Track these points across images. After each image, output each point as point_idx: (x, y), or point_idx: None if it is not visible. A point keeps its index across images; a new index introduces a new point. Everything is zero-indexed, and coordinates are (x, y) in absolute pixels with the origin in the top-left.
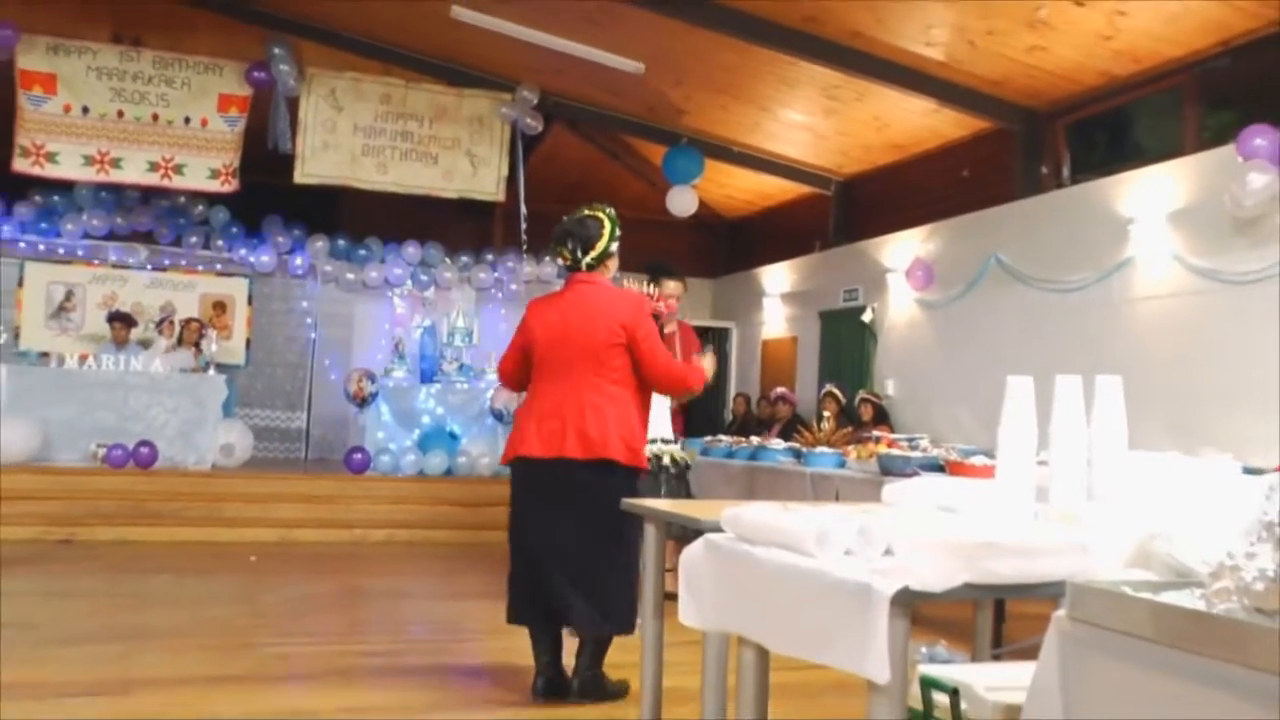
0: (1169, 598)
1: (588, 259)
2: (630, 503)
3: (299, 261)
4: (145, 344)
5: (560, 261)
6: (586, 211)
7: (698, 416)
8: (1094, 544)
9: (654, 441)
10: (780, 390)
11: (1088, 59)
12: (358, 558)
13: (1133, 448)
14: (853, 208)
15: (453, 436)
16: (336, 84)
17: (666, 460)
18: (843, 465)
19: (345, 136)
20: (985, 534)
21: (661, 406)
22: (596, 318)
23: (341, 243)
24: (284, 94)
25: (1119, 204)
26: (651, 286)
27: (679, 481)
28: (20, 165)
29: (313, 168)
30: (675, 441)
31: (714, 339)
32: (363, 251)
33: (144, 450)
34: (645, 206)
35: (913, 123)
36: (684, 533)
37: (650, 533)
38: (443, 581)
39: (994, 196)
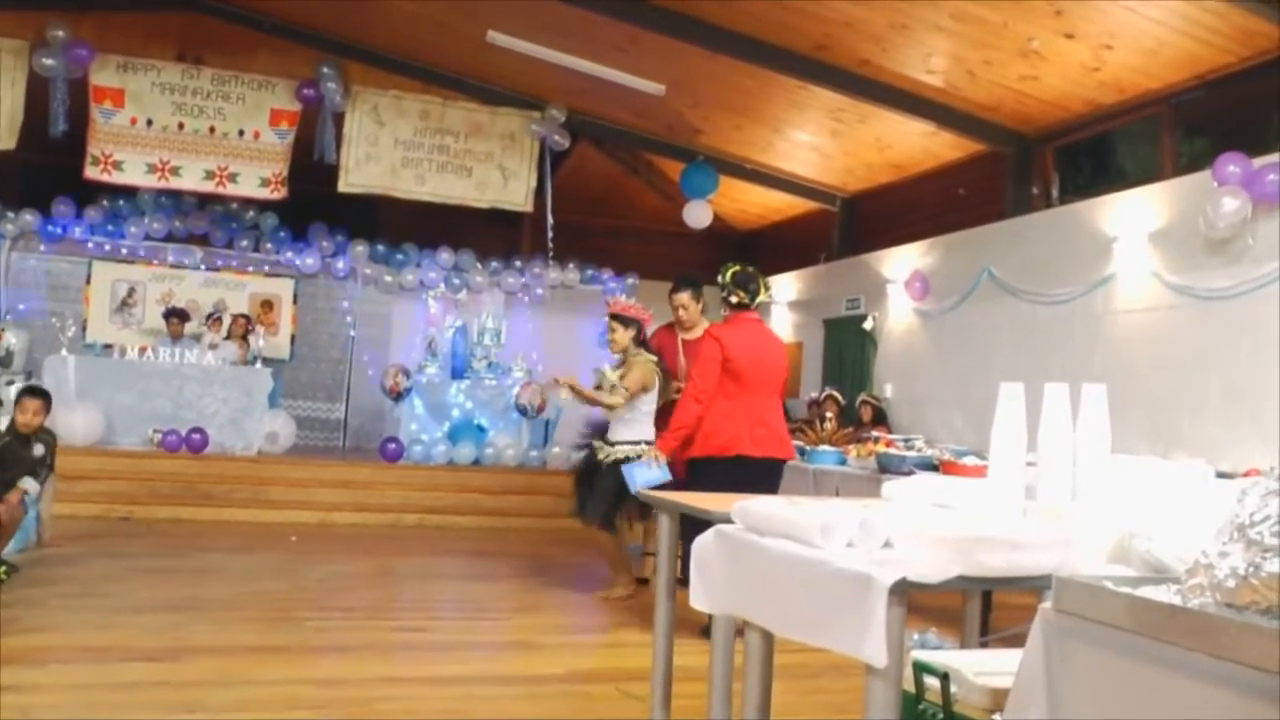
0: (1147, 592)
1: (756, 301)
2: (646, 494)
3: (341, 264)
4: (198, 338)
5: (733, 299)
6: (750, 268)
7: None
8: (1078, 540)
9: (648, 442)
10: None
11: (1075, 88)
12: (391, 540)
13: (1113, 451)
14: (856, 223)
15: (480, 429)
16: (379, 101)
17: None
18: (843, 463)
19: (386, 149)
20: (978, 529)
21: (647, 410)
22: (775, 349)
23: (380, 248)
24: (331, 109)
25: (1103, 223)
26: (628, 297)
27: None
28: (91, 173)
29: (356, 178)
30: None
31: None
32: (400, 256)
33: (196, 436)
34: (663, 219)
35: (912, 144)
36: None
37: (664, 522)
38: (470, 563)
39: (987, 214)
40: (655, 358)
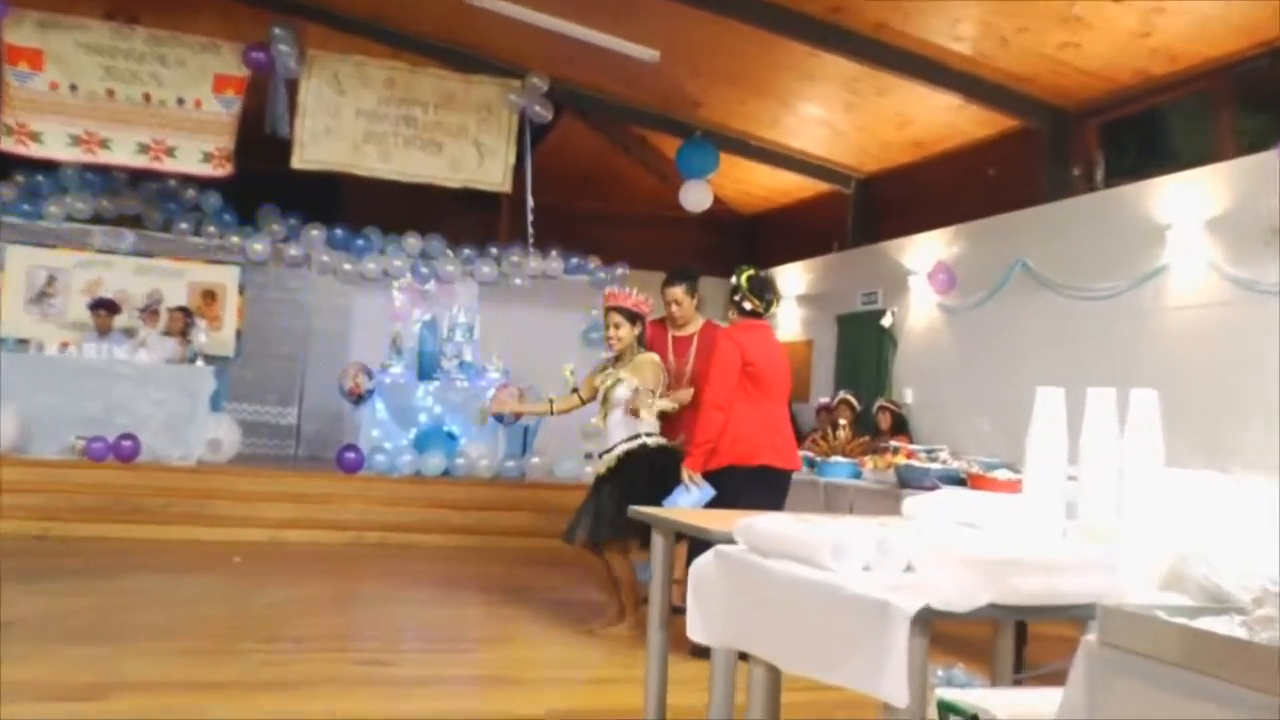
0: (1206, 623)
1: (772, 309)
2: (639, 511)
3: (294, 251)
4: (130, 333)
5: (746, 305)
6: (767, 275)
7: None
8: (1125, 564)
9: (651, 434)
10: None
11: (1122, 57)
12: (350, 560)
13: (1165, 464)
14: (873, 207)
15: (451, 437)
16: (340, 67)
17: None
18: (858, 476)
19: (347, 122)
20: (1011, 551)
21: (648, 413)
22: (784, 358)
23: (339, 232)
24: (283, 76)
25: (1153, 209)
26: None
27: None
28: (4, 144)
29: (312, 153)
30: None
31: None
32: (361, 242)
33: (126, 444)
34: (657, 201)
35: (936, 119)
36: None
37: (658, 543)
38: (439, 587)
39: (1020, 199)
40: (657, 356)
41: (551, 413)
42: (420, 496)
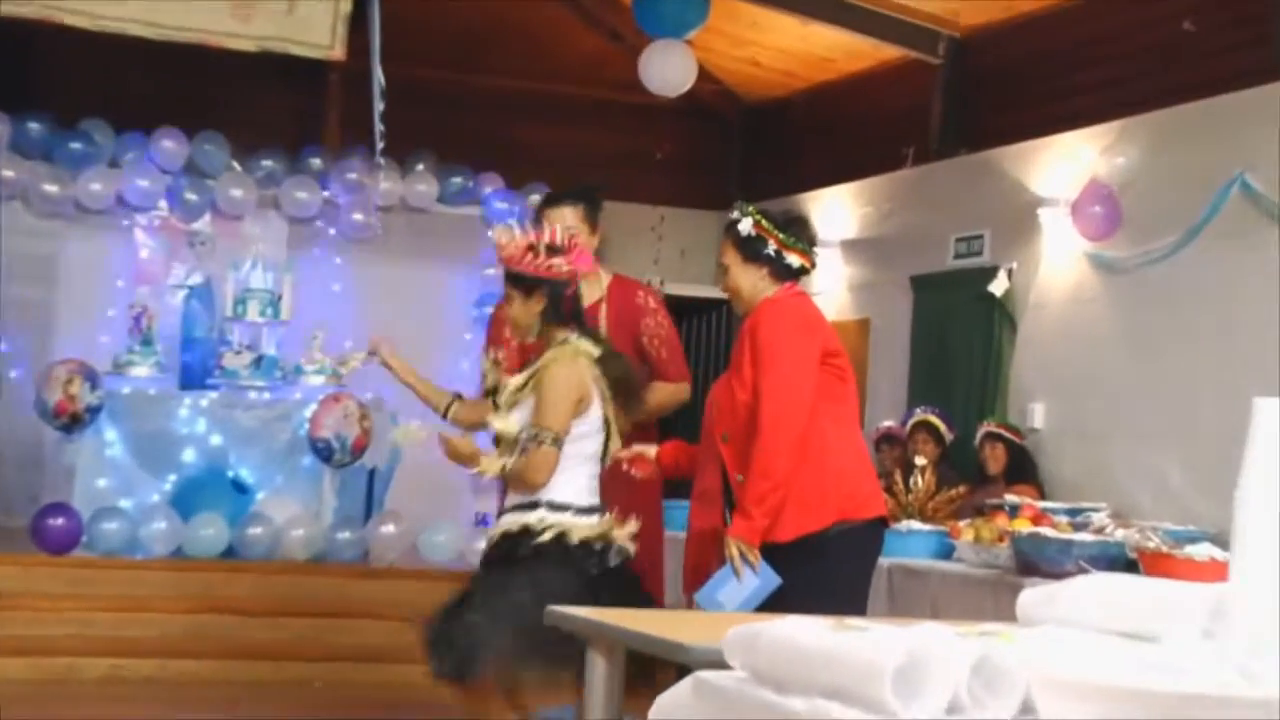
0: None
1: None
2: (563, 613)
3: None
4: None
5: (793, 260)
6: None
7: None
8: None
9: (563, 509)
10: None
11: None
12: (58, 702)
13: None
14: (976, 89)
15: (240, 489)
16: None
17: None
18: (947, 552)
19: None
20: (1199, 683)
21: (576, 464)
22: None
23: (36, 126)
24: None
25: None
26: (529, 225)
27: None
28: None
29: None
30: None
31: (711, 322)
32: (78, 145)
33: None
34: (603, 78)
35: None
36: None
37: (598, 669)
38: None
39: (1239, 71)
40: (594, 343)
41: (446, 416)
42: (184, 594)
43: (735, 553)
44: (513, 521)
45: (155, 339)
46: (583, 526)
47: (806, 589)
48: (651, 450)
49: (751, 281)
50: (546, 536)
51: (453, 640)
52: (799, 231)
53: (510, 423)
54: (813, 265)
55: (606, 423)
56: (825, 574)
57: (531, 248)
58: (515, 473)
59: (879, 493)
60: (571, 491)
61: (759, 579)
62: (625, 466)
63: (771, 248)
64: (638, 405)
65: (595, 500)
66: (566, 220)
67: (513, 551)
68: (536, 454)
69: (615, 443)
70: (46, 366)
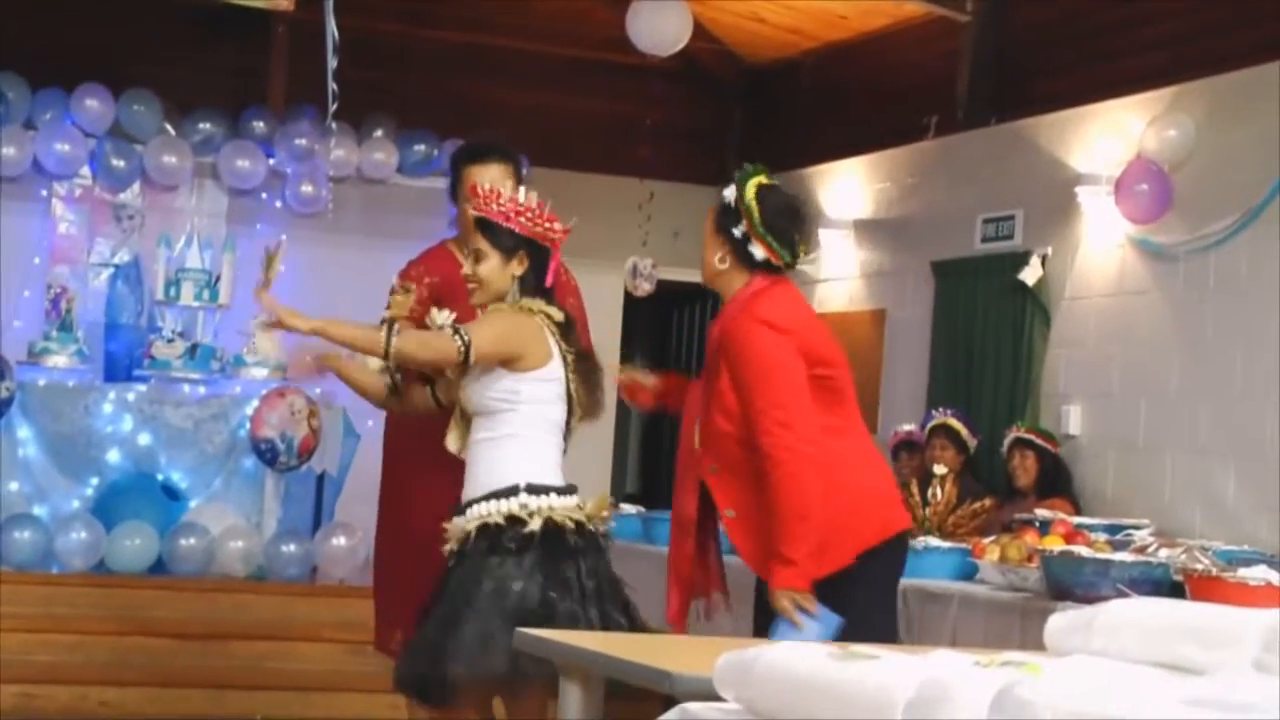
0: None
1: (801, 260)
2: (532, 635)
3: None
4: None
5: (758, 252)
6: (794, 195)
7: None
8: None
9: (544, 491)
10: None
11: None
12: None
13: None
14: (1008, 51)
15: (171, 494)
16: None
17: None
18: (970, 573)
19: None
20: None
21: (544, 435)
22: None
23: None
24: None
25: None
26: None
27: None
28: None
29: None
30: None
31: (708, 311)
32: None
33: None
34: (585, 34)
35: None
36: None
37: (572, 699)
38: None
39: None
40: (559, 311)
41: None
42: (107, 614)
43: (787, 604)
44: (491, 511)
45: (75, 324)
46: (569, 508)
47: (861, 621)
48: (650, 380)
49: (713, 259)
50: (535, 525)
51: (457, 656)
52: (785, 223)
53: (440, 316)
54: (785, 265)
55: (569, 395)
56: (852, 605)
57: (520, 204)
58: (399, 346)
59: (898, 502)
60: (549, 472)
61: (819, 623)
62: (622, 393)
63: (740, 229)
64: (598, 395)
65: (566, 480)
66: (496, 179)
67: (497, 544)
68: (438, 336)
69: (576, 416)
70: None
